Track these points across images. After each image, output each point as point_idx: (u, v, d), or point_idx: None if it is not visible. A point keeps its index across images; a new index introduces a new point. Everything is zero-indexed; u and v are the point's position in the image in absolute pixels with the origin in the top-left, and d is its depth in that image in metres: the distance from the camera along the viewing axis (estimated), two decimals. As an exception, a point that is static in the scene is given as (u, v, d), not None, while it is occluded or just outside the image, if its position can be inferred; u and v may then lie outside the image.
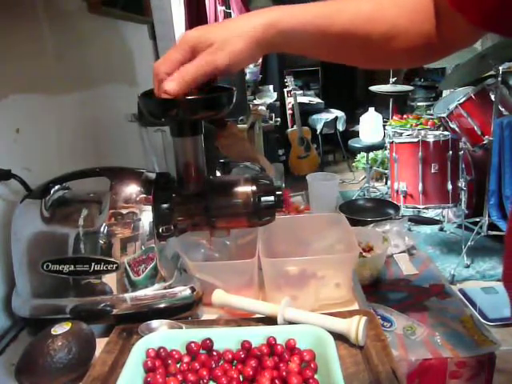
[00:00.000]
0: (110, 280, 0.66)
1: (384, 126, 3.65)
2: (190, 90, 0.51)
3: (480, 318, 1.72)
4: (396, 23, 0.50)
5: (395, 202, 2.40)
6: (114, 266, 0.66)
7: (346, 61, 0.57)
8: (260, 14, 0.52)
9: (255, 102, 3.66)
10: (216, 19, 3.20)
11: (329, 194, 1.22)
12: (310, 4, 0.52)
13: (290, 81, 4.17)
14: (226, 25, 0.52)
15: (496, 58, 2.28)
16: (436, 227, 2.94)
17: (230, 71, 0.52)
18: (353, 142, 3.76)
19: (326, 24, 0.51)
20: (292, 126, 4.21)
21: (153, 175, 0.70)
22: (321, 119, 4.39)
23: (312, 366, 0.54)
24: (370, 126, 3.72)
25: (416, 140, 2.53)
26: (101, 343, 0.62)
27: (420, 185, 2.53)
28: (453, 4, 0.45)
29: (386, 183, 3.68)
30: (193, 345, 0.57)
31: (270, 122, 3.71)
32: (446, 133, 2.60)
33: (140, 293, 0.67)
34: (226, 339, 0.59)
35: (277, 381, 0.52)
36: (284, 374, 0.53)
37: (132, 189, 0.67)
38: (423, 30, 0.50)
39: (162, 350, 0.57)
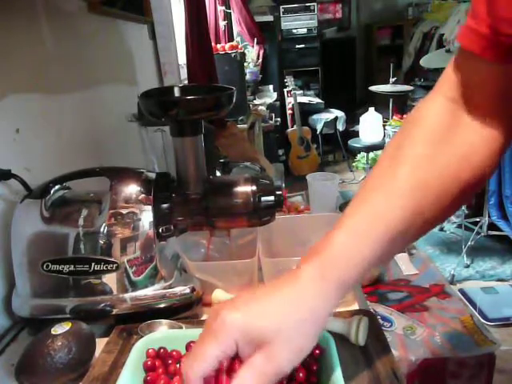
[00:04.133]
0: (110, 280, 0.66)
1: (384, 125, 3.65)
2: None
3: (480, 318, 1.71)
4: (459, 171, 0.42)
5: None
6: (114, 265, 0.66)
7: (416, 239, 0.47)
8: (314, 284, 0.39)
9: (255, 101, 3.66)
10: (216, 19, 3.20)
11: (329, 194, 1.22)
12: (352, 225, 0.42)
13: (289, 81, 4.17)
14: (276, 305, 0.39)
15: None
16: (436, 227, 2.94)
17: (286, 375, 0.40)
18: (353, 142, 3.76)
19: (382, 244, 0.41)
20: (292, 126, 4.21)
21: (153, 175, 0.70)
22: (321, 119, 4.39)
23: (315, 361, 0.54)
24: (370, 125, 3.72)
25: (416, 140, 2.53)
26: (101, 343, 0.62)
27: (420, 185, 2.53)
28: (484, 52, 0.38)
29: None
30: (193, 345, 0.57)
31: (270, 121, 3.71)
32: (445, 133, 2.60)
33: (140, 293, 0.67)
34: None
35: (281, 378, 0.52)
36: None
37: (132, 189, 0.67)
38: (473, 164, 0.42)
39: (162, 350, 0.57)
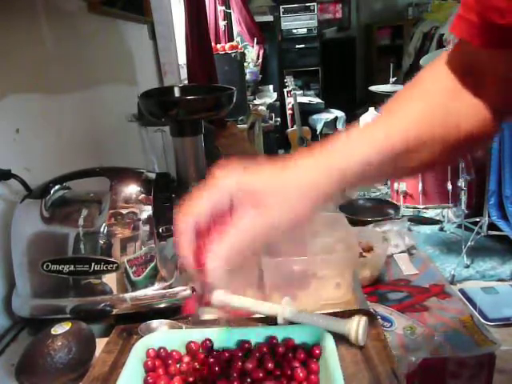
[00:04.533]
0: (110, 280, 0.66)
1: (384, 125, 3.64)
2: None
3: (480, 318, 1.71)
4: (460, 115, 0.44)
5: (395, 202, 2.40)
6: (114, 265, 0.66)
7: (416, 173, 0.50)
8: (314, 164, 0.41)
9: (255, 101, 3.66)
10: (216, 19, 3.20)
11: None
12: (360, 130, 0.44)
13: (289, 81, 4.17)
14: (275, 172, 0.40)
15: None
16: (436, 227, 2.94)
17: (280, 237, 0.41)
18: (353, 142, 3.75)
19: (387, 154, 0.42)
20: (292, 126, 4.21)
21: (153, 175, 0.70)
22: (321, 119, 4.39)
23: (315, 361, 0.54)
24: (370, 125, 3.71)
25: (416, 140, 2.53)
26: (101, 343, 0.62)
27: (420, 185, 2.53)
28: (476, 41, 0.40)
29: (386, 183, 3.68)
30: (193, 345, 0.57)
31: (270, 121, 3.71)
32: (446, 133, 2.60)
33: (140, 293, 0.67)
34: (226, 339, 0.59)
35: (282, 378, 0.52)
36: (288, 371, 0.53)
37: (132, 189, 0.67)
38: (480, 116, 0.44)
39: (162, 350, 0.57)
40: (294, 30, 4.81)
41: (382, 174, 0.45)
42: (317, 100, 4.68)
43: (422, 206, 2.59)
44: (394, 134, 0.43)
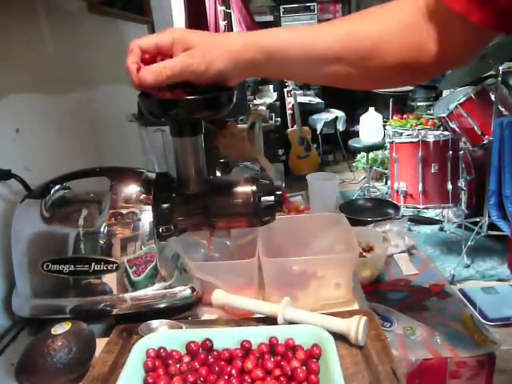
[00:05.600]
0: (110, 280, 0.66)
1: (384, 126, 3.65)
2: (162, 86, 0.52)
3: (480, 318, 1.71)
4: (381, 38, 0.48)
5: (395, 202, 2.40)
6: (114, 265, 0.66)
7: (331, 82, 0.55)
8: (244, 33, 0.53)
9: (255, 101, 3.66)
10: (216, 19, 3.20)
11: (329, 193, 1.22)
12: (290, 27, 0.53)
13: (290, 81, 4.16)
14: (210, 35, 0.53)
15: (496, 57, 2.28)
16: (436, 227, 2.94)
17: (206, 80, 0.52)
18: (353, 142, 3.76)
19: (309, 42, 0.50)
20: (292, 126, 4.20)
21: (153, 175, 0.70)
22: (321, 119, 4.39)
23: (315, 361, 0.54)
24: (370, 126, 3.72)
25: (416, 140, 2.53)
26: (101, 343, 0.62)
27: (420, 185, 2.53)
28: (456, 6, 0.43)
29: (386, 183, 3.68)
30: (193, 345, 0.57)
31: (270, 121, 3.71)
32: (446, 133, 2.60)
33: (140, 293, 0.67)
34: (226, 339, 0.59)
35: (282, 378, 0.52)
36: (288, 371, 0.53)
37: (132, 189, 0.67)
38: (411, 45, 0.48)
39: (162, 350, 0.57)
40: (294, 30, 4.80)
41: (297, 65, 0.52)
42: (317, 100, 4.67)
43: (422, 206, 2.59)
44: (319, 37, 0.51)
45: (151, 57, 0.53)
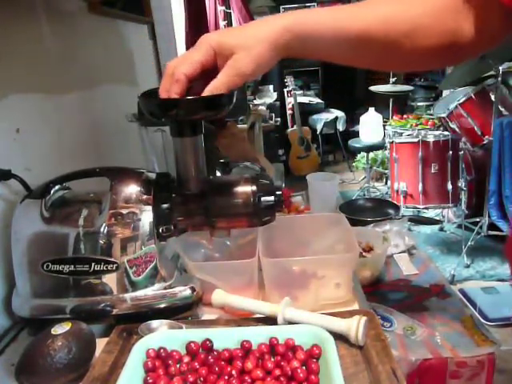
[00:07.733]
0: (110, 280, 0.66)
1: (384, 125, 3.65)
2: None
3: (480, 318, 1.72)
4: (418, 22, 0.48)
5: (395, 202, 2.40)
6: (114, 265, 0.66)
7: (365, 64, 0.55)
8: (276, 18, 0.51)
9: (255, 101, 3.66)
10: (216, 19, 3.20)
11: (329, 193, 1.22)
12: (326, 8, 0.51)
13: (289, 81, 4.17)
14: (244, 30, 0.52)
15: (496, 57, 2.28)
16: (436, 227, 2.94)
17: (254, 77, 0.52)
18: (353, 142, 3.76)
19: (343, 26, 0.50)
20: (292, 126, 4.21)
21: (153, 175, 0.70)
22: (321, 119, 4.39)
23: (315, 361, 0.54)
24: (370, 125, 3.72)
25: (416, 140, 2.53)
26: (101, 343, 0.62)
27: (420, 185, 2.53)
28: None
29: (386, 183, 3.68)
30: (193, 345, 0.57)
31: (270, 121, 3.71)
32: (446, 133, 2.60)
33: (140, 293, 0.67)
34: (226, 339, 0.59)
35: (282, 378, 0.52)
36: (288, 371, 0.53)
37: (132, 189, 0.67)
38: (448, 28, 0.48)
39: (162, 350, 0.57)
40: (294, 30, 4.80)
41: (331, 48, 0.52)
42: (317, 100, 4.68)
43: (421, 206, 2.59)
44: (354, 21, 0.50)
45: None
